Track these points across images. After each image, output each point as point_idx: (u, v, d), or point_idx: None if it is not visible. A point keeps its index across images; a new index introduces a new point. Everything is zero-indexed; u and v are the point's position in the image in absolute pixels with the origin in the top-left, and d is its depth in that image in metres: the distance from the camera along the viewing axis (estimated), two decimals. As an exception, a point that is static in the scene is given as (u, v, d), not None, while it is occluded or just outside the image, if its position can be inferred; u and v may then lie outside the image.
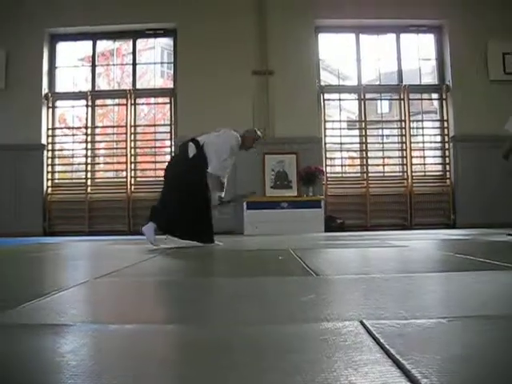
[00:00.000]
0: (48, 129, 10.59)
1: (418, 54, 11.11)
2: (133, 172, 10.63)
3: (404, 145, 10.71)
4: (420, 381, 1.02)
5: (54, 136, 10.78)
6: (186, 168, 5.49)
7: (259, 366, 1.17)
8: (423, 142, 11.08)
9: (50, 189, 10.48)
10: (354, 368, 1.11)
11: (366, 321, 1.55)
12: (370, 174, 10.57)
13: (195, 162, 5.47)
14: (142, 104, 11.48)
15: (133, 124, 10.72)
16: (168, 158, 10.71)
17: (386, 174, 10.86)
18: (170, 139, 10.61)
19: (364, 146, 10.72)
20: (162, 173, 10.69)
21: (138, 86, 11.00)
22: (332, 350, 1.26)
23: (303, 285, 2.54)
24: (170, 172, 5.81)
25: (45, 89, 10.56)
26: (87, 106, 10.73)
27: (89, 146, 10.71)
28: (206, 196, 5.59)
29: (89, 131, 10.73)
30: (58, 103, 10.98)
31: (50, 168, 10.60)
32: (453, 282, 2.55)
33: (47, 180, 10.46)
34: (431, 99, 11.49)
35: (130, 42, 11.11)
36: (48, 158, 10.55)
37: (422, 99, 11.28)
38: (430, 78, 11.40)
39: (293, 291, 2.36)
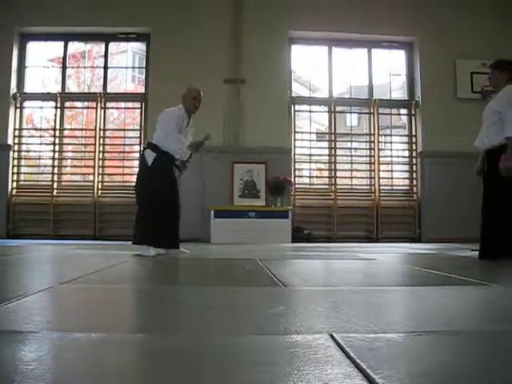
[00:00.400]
0: (15, 129, 10.41)
1: (388, 69, 11.25)
2: (100, 176, 10.51)
3: (372, 158, 10.82)
4: (391, 396, 1.02)
5: (20, 137, 10.60)
6: (149, 176, 5.44)
7: (227, 378, 1.16)
8: (391, 157, 11.21)
9: (14, 190, 10.29)
10: (325, 382, 1.11)
11: (335, 334, 1.56)
12: (337, 186, 10.65)
13: (156, 165, 5.40)
14: (112, 108, 11.38)
15: (102, 128, 10.61)
16: (136, 163, 10.64)
17: (353, 187, 10.96)
18: (139, 144, 10.52)
19: (333, 158, 10.80)
20: (129, 178, 10.73)
21: (109, 90, 10.89)
22: (302, 363, 1.26)
23: (271, 296, 2.53)
24: (138, 181, 5.76)
25: (13, 88, 10.38)
26: (56, 107, 10.58)
27: (56, 148, 10.55)
28: (175, 202, 5.59)
29: (57, 133, 10.58)
30: (26, 103, 10.80)
31: (15, 169, 10.41)
32: (420, 296, 2.58)
33: (12, 181, 10.27)
34: (400, 114, 11.63)
35: (102, 45, 11.00)
36: (14, 158, 10.36)
37: (391, 114, 11.41)
38: (399, 93, 11.55)
39: (261, 302, 2.35)
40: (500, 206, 4.76)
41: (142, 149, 5.74)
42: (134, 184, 10.23)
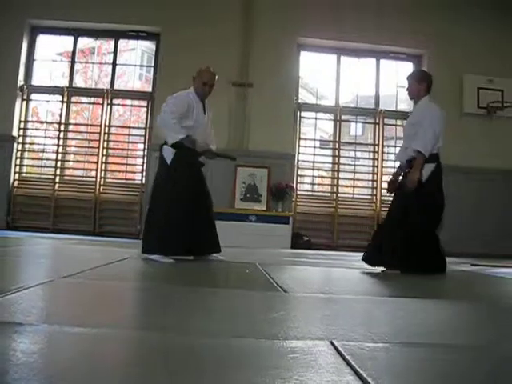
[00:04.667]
0: (20, 121, 10.40)
1: (395, 80, 11.25)
2: (103, 172, 10.50)
3: (375, 168, 10.82)
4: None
5: (25, 129, 10.59)
6: (169, 176, 4.72)
7: (226, 380, 1.16)
8: (394, 167, 11.17)
9: (16, 182, 10.28)
10: (326, 389, 1.11)
11: (335, 341, 1.56)
12: (339, 195, 10.64)
13: (177, 163, 4.70)
14: (118, 105, 11.38)
15: (107, 124, 10.60)
16: (140, 161, 10.64)
17: (355, 196, 10.94)
18: (144, 143, 10.52)
19: (336, 166, 10.79)
20: (131, 176, 10.73)
21: (116, 87, 10.90)
22: (303, 368, 1.26)
23: (272, 301, 2.53)
24: (156, 183, 4.89)
25: (20, 80, 10.38)
26: (62, 101, 10.58)
27: (60, 142, 10.54)
28: (201, 203, 4.89)
29: (62, 127, 10.58)
30: (33, 96, 10.79)
31: (18, 161, 10.40)
32: (421, 308, 2.57)
33: (15, 173, 10.26)
34: (405, 126, 11.61)
35: (112, 42, 11.01)
36: (18, 150, 10.36)
37: (396, 125, 11.38)
38: (405, 104, 11.55)
39: (262, 307, 2.35)
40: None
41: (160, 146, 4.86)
42: (136, 182, 10.44)
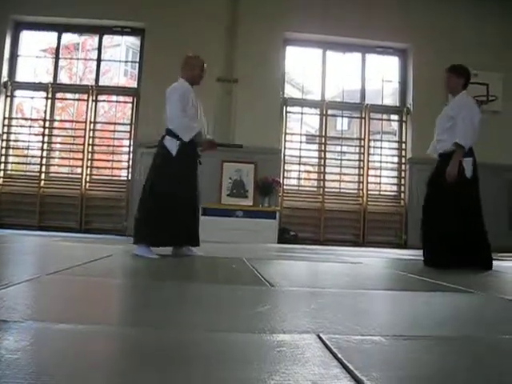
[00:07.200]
0: (4, 118, 10.32)
1: (381, 74, 11.28)
2: (88, 169, 10.44)
3: (361, 163, 10.84)
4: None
5: (9, 126, 10.51)
6: (172, 166, 4.66)
7: (214, 375, 1.15)
8: (380, 162, 11.22)
9: (1, 180, 10.20)
10: (313, 381, 1.10)
11: (322, 335, 1.56)
12: (326, 189, 10.66)
13: (182, 155, 4.67)
14: (103, 101, 11.31)
15: (92, 120, 10.54)
16: (125, 157, 10.59)
17: (341, 191, 10.95)
18: (129, 139, 10.47)
19: (322, 160, 10.80)
20: (117, 172, 10.67)
21: (101, 83, 10.83)
22: (290, 362, 1.25)
23: (258, 295, 2.53)
24: (154, 172, 4.80)
25: (4, 77, 10.30)
26: (47, 98, 10.50)
27: (45, 139, 10.47)
28: (196, 196, 4.86)
29: (46, 124, 10.50)
30: (17, 93, 10.71)
31: (3, 158, 10.32)
32: (406, 301, 2.58)
33: (-1, 170, 10.20)
34: (391, 120, 11.66)
35: (96, 38, 10.94)
36: (2, 147, 10.29)
37: (382, 119, 11.43)
38: (391, 99, 11.58)
39: (248, 301, 2.35)
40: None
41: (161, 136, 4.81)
42: (122, 178, 10.39)
